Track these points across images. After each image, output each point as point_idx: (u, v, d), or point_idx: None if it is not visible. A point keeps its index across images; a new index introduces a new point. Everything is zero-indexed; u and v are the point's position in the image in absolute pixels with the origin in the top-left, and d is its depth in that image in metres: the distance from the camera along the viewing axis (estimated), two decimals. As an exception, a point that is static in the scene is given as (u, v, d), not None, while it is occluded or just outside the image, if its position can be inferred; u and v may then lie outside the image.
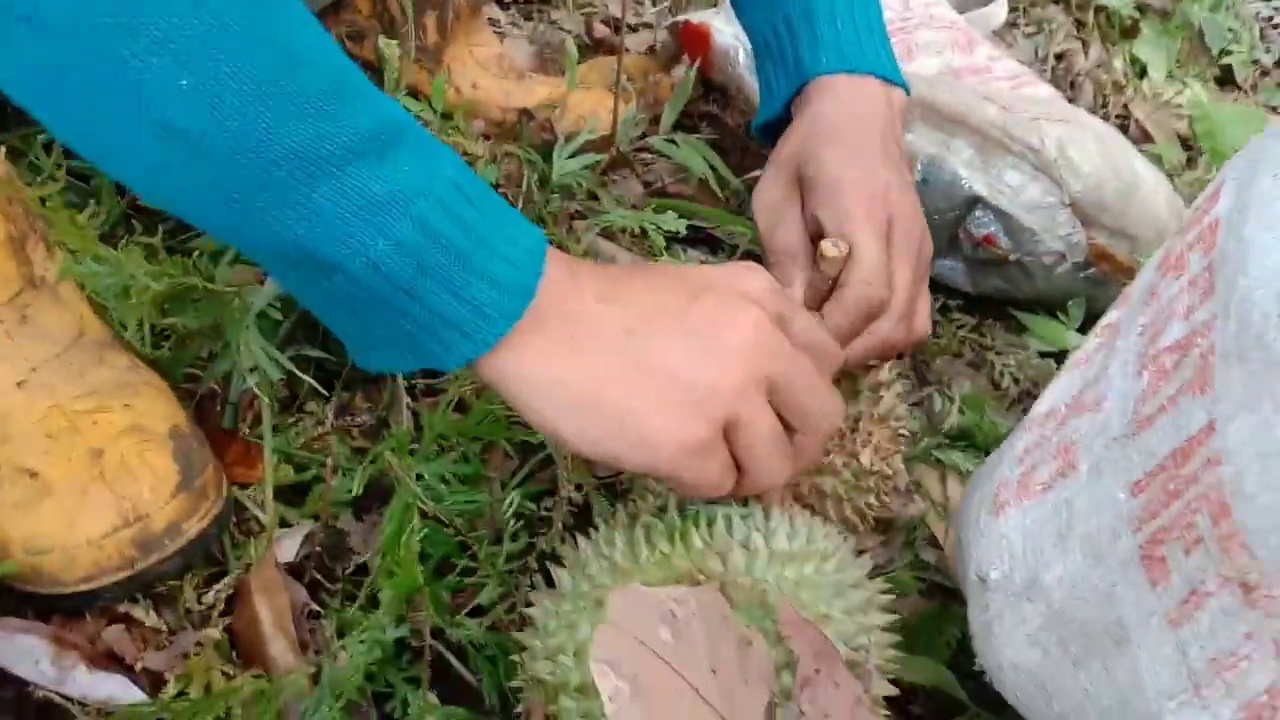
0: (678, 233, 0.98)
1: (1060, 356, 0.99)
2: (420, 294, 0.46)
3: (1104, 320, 0.60)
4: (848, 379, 0.66)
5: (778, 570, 0.52)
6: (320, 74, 0.44)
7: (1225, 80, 1.67)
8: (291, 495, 0.73)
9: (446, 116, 1.06)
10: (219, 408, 0.75)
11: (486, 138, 1.07)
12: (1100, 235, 0.95)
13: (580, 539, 0.58)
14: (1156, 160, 1.39)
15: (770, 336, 0.51)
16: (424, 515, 0.67)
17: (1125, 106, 1.52)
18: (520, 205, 1.00)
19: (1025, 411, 0.98)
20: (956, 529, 0.63)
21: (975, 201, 0.95)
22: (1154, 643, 0.43)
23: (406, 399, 0.72)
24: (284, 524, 0.70)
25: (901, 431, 0.67)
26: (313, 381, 0.72)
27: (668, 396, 0.49)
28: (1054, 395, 0.59)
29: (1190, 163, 1.41)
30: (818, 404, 0.53)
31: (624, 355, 0.49)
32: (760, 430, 0.51)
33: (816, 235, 0.68)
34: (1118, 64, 1.59)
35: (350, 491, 0.70)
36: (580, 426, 0.49)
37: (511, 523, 0.70)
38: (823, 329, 0.57)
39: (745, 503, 0.58)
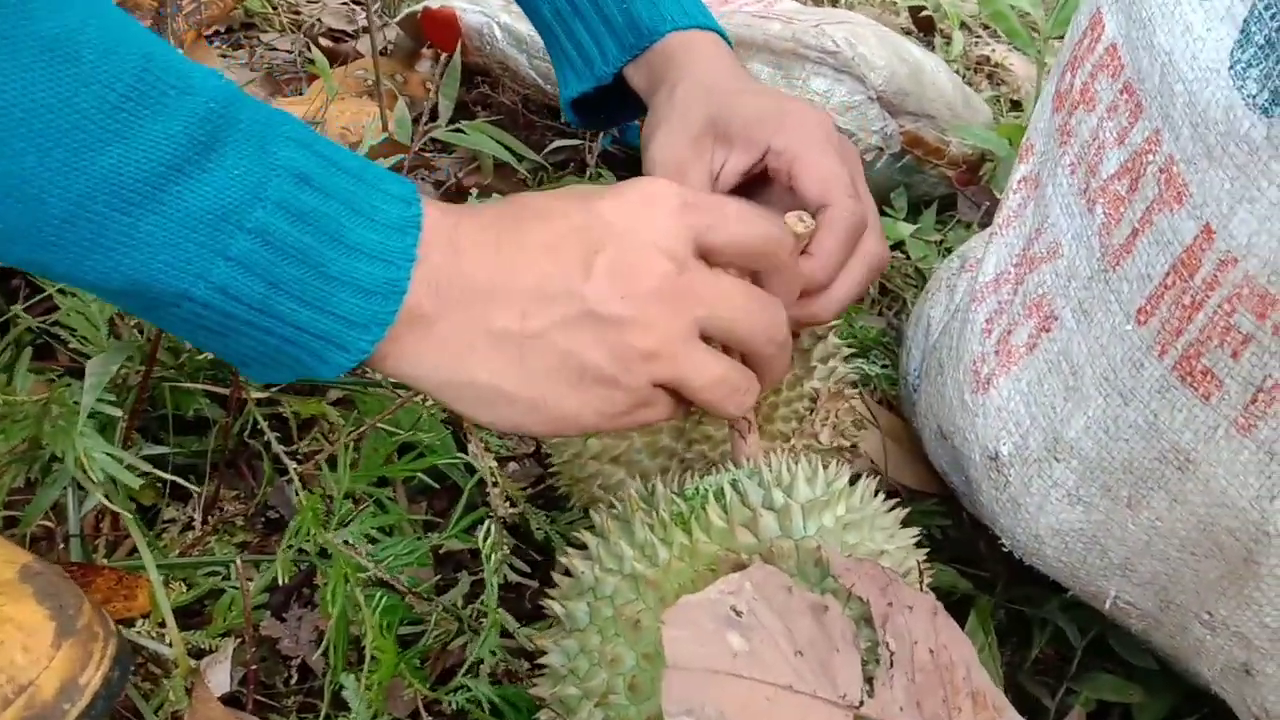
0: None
1: (898, 249, 1.01)
2: (277, 312, 0.41)
3: (1014, 176, 0.59)
4: (799, 353, 0.61)
5: (816, 521, 0.47)
6: (115, 76, 0.38)
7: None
8: (182, 619, 0.61)
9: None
10: (61, 544, 0.61)
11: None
12: (907, 122, 0.97)
13: (574, 558, 0.51)
14: (896, 56, 1.47)
15: (682, 282, 0.46)
16: (380, 582, 0.57)
17: (848, 10, 1.59)
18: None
19: (888, 308, 0.99)
20: (925, 424, 0.62)
21: (788, 117, 0.94)
22: (1227, 455, 0.43)
23: (292, 464, 0.62)
24: (192, 654, 0.58)
25: (854, 401, 0.63)
26: (180, 480, 0.60)
27: (577, 379, 0.45)
28: (994, 260, 0.58)
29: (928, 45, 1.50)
30: (757, 329, 0.49)
31: (523, 346, 0.45)
32: (698, 380, 0.47)
33: (743, 180, 0.62)
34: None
35: (260, 593, 0.59)
36: (491, 418, 0.46)
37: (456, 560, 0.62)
38: (758, 215, 0.52)
39: (735, 466, 0.53)
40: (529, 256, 0.45)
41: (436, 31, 1.19)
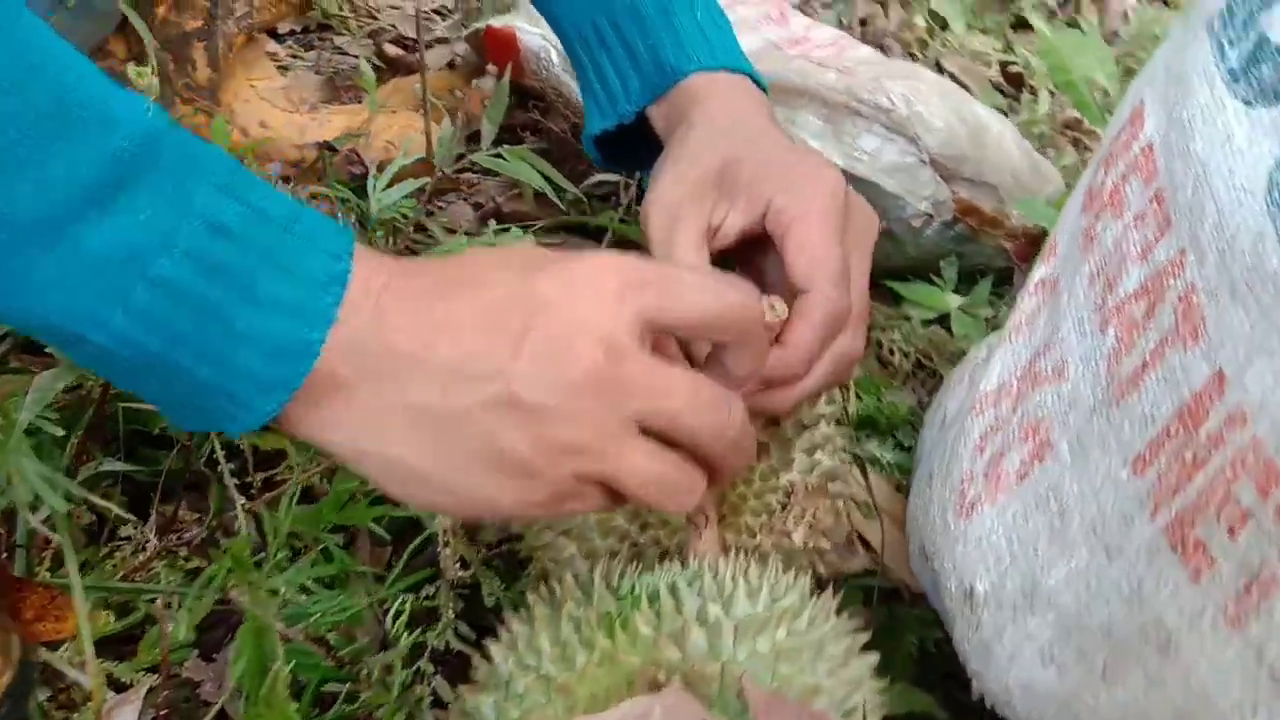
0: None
1: (943, 321, 0.95)
2: (178, 366, 0.39)
3: (1033, 277, 0.54)
4: (777, 437, 0.56)
5: (749, 645, 0.42)
6: (23, 109, 0.36)
7: (1019, 25, 1.71)
8: (120, 646, 0.59)
9: (235, 163, 0.92)
10: (4, 553, 0.59)
11: (286, 180, 0.94)
12: (962, 189, 0.90)
13: (494, 645, 0.47)
14: (979, 110, 1.39)
15: (617, 373, 0.41)
16: (286, 639, 0.54)
17: (937, 63, 1.52)
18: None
19: (923, 384, 0.93)
20: (912, 536, 0.56)
21: (834, 173, 0.89)
22: (1211, 647, 0.37)
23: (240, 499, 0.59)
24: (114, 686, 0.56)
25: (840, 498, 0.57)
26: (115, 508, 0.58)
27: (496, 465, 0.42)
28: (999, 369, 0.52)
29: (1012, 108, 1.42)
30: (704, 426, 0.44)
31: (439, 425, 0.41)
32: (631, 480, 0.43)
33: (743, 241, 0.57)
34: (919, 21, 1.60)
35: (185, 631, 0.57)
36: (405, 494, 0.44)
37: (394, 622, 0.58)
38: (722, 283, 0.46)
39: (683, 563, 0.49)
40: (457, 328, 0.42)
41: (497, 50, 1.17)
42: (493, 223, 0.98)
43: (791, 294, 0.53)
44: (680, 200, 0.57)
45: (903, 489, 0.81)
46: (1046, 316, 0.50)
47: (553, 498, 0.43)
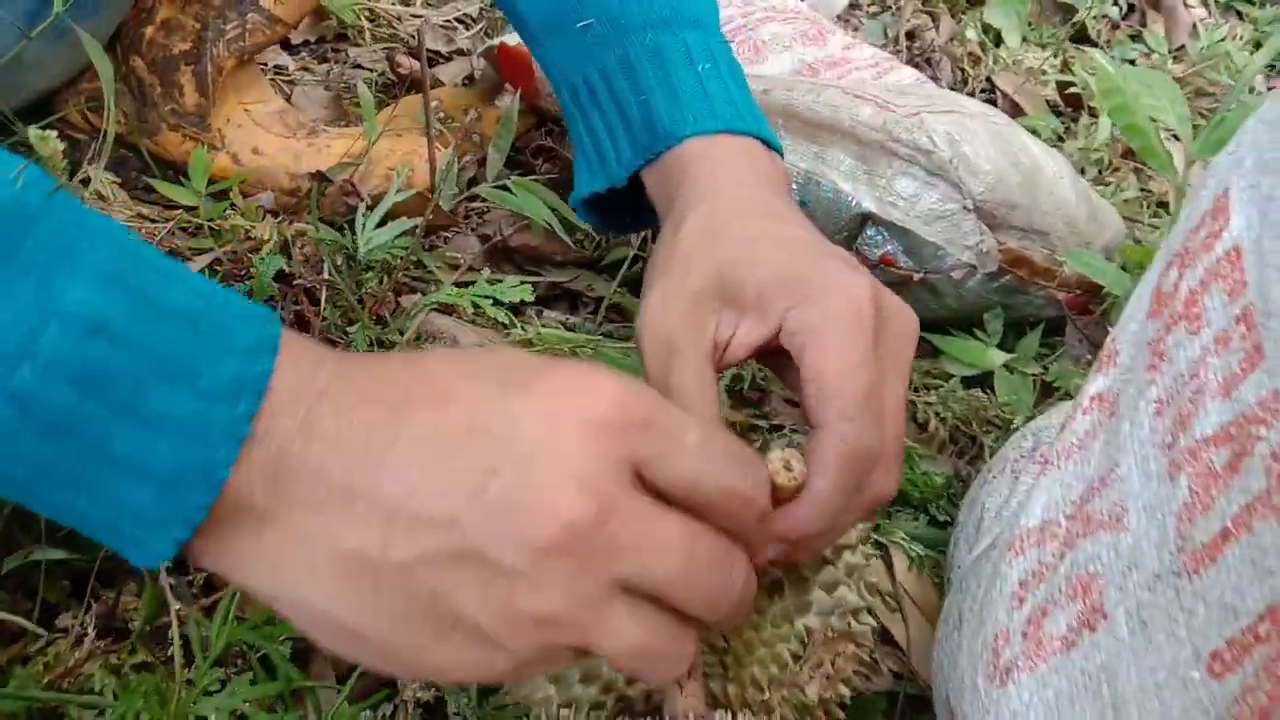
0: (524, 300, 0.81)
1: (985, 380, 0.86)
2: (50, 500, 0.33)
3: (1088, 389, 0.45)
4: (795, 580, 0.48)
5: None
6: None
7: (1079, 38, 1.61)
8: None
9: (220, 196, 0.86)
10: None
11: (275, 214, 0.88)
12: (1010, 238, 0.82)
13: None
14: (1032, 133, 1.30)
15: (603, 533, 0.34)
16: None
17: (989, 80, 1.42)
18: (324, 297, 0.81)
19: (959, 454, 0.85)
20: (936, 682, 0.48)
21: (864, 219, 0.81)
22: None
23: (175, 604, 0.53)
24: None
25: (865, 643, 0.48)
26: (17, 618, 0.52)
27: (448, 630, 0.35)
28: (1044, 501, 0.44)
29: (1068, 130, 1.32)
30: (698, 594, 0.36)
31: (377, 578, 0.34)
32: (610, 649, 0.35)
33: (758, 353, 0.48)
34: (971, 34, 1.50)
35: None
36: (335, 649, 0.37)
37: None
38: (728, 453, 0.38)
39: None
40: (406, 458, 0.34)
41: (512, 69, 1.10)
42: (485, 271, 0.90)
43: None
44: (675, 322, 0.47)
45: (937, 572, 0.72)
46: (1103, 444, 0.42)
47: (515, 669, 0.35)
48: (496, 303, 0.78)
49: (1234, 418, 0.35)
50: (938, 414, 0.81)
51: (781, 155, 0.56)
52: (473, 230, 1.05)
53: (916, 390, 0.84)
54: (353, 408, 0.35)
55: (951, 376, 0.85)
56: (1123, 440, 0.41)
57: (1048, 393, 0.86)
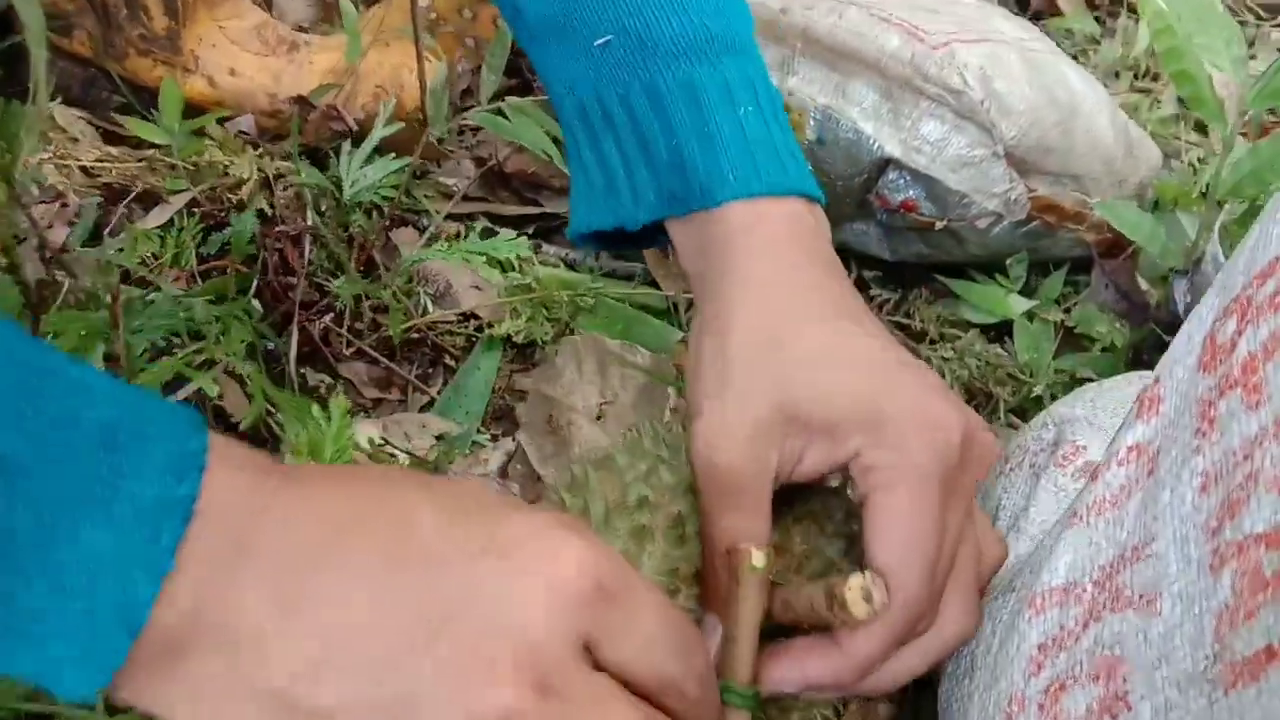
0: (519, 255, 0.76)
1: (1005, 328, 0.82)
2: None
3: (1125, 437, 0.42)
4: None
5: None
6: None
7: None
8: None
9: (194, 113, 0.80)
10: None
11: (255, 145, 0.83)
12: (1042, 184, 0.76)
13: None
14: (1067, 36, 1.21)
15: (545, 710, 0.31)
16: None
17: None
18: (310, 247, 0.77)
19: (977, 410, 0.82)
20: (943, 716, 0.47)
21: (886, 163, 0.75)
22: None
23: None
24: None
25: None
26: None
27: None
28: (1069, 558, 0.41)
29: (1108, 31, 1.23)
30: None
31: None
32: None
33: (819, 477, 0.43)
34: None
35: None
36: None
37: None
38: (682, 641, 0.35)
39: None
40: (349, 588, 0.31)
41: (508, -32, 1.02)
42: (481, 221, 0.85)
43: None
44: (735, 457, 0.41)
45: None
46: (1139, 507, 0.39)
47: None
48: (488, 261, 0.73)
49: (1291, 520, 0.32)
50: (953, 370, 0.78)
51: (824, 204, 0.49)
52: (467, 151, 0.99)
53: (933, 342, 0.81)
54: (293, 529, 0.31)
55: (971, 326, 0.82)
56: (1161, 510, 0.37)
57: (1070, 340, 0.82)
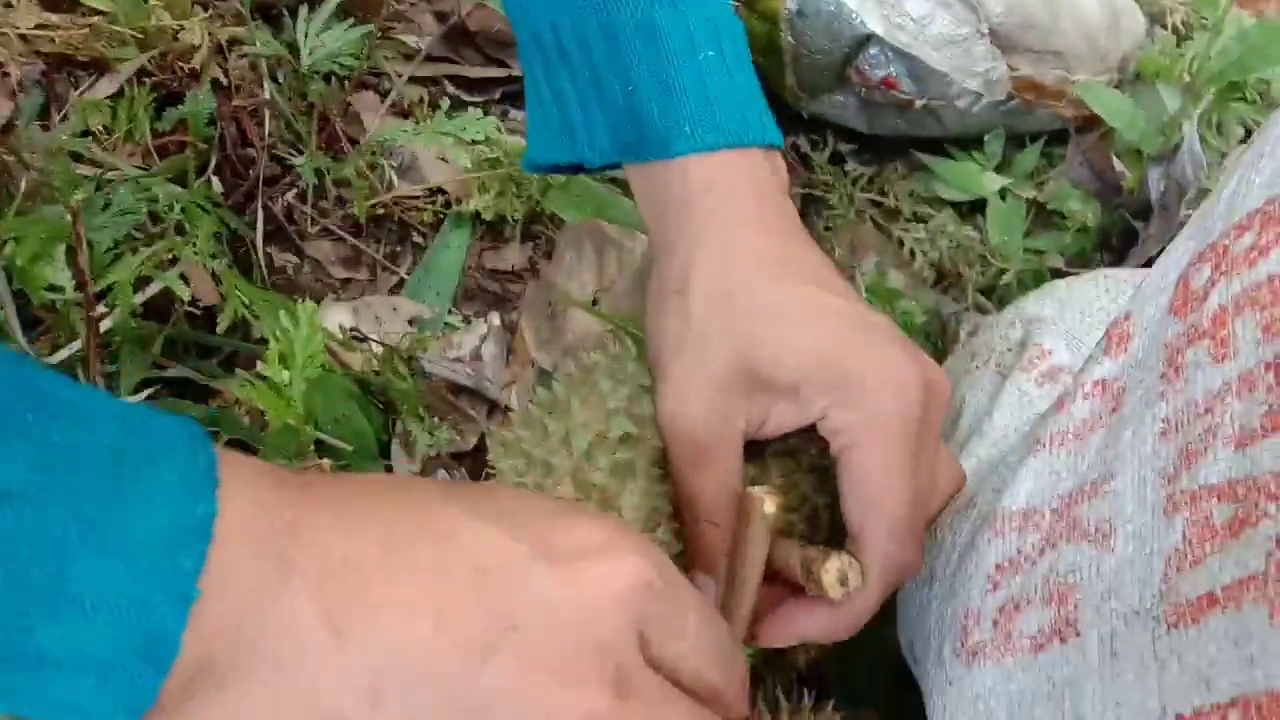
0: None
1: (979, 205, 0.82)
2: None
3: (1091, 371, 0.43)
4: None
5: None
6: None
7: None
8: None
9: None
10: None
11: (204, 7, 0.78)
12: (1024, 62, 0.75)
13: None
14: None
15: (619, 710, 0.31)
16: None
17: None
18: (269, 120, 0.74)
19: (945, 291, 0.83)
20: (901, 622, 0.50)
21: (867, 39, 0.73)
22: None
23: None
24: None
25: None
26: None
27: None
28: (1030, 485, 0.43)
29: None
30: None
31: None
32: None
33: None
34: None
35: None
36: None
37: None
38: (724, 643, 0.36)
39: None
40: (407, 600, 0.30)
41: None
42: (446, 87, 0.82)
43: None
44: (700, 420, 0.42)
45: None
46: (1102, 443, 0.40)
47: None
48: (458, 141, 0.71)
49: (1244, 477, 0.34)
50: (924, 252, 0.78)
51: (781, 147, 0.47)
52: (428, 4, 0.94)
53: (906, 221, 0.81)
54: (333, 542, 0.30)
55: (945, 204, 0.81)
56: (1122, 450, 0.39)
57: (1042, 219, 0.83)
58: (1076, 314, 0.58)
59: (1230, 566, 0.33)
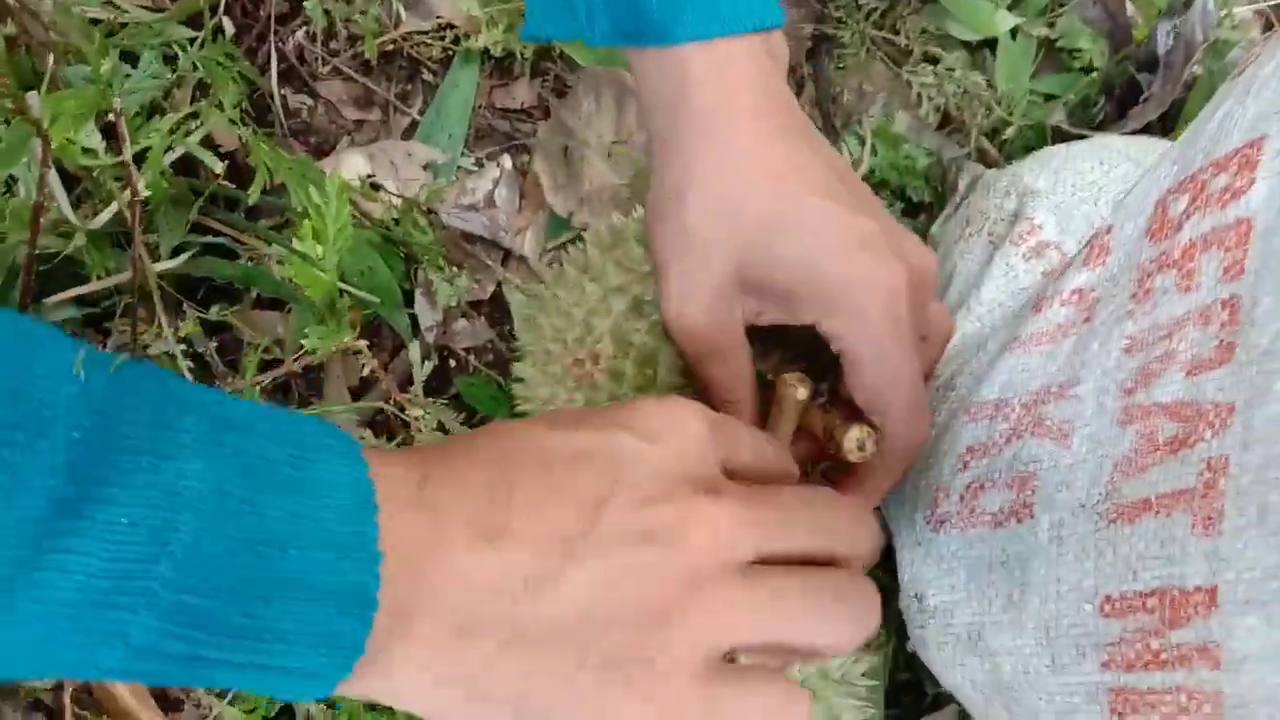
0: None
1: (990, 44, 0.82)
2: (208, 679, 0.31)
3: (1071, 278, 0.46)
4: None
5: None
6: None
7: None
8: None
9: None
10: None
11: None
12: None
13: None
14: None
15: (720, 591, 0.36)
16: None
17: None
18: None
19: (950, 136, 0.83)
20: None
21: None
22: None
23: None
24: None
25: None
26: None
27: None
28: (1004, 379, 0.47)
29: None
30: (838, 528, 0.40)
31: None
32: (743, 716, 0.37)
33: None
34: None
35: None
36: None
37: None
38: (763, 440, 0.43)
39: None
40: (531, 496, 0.36)
41: None
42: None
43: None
44: (702, 317, 0.46)
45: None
46: (1072, 350, 0.44)
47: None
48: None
49: (1190, 401, 0.38)
50: (930, 97, 0.79)
51: (783, 26, 0.47)
52: None
53: (915, 63, 0.80)
54: (461, 480, 0.35)
55: (956, 46, 0.81)
56: (1089, 359, 0.43)
57: (1050, 61, 0.82)
58: (1069, 188, 0.61)
59: (1167, 479, 0.38)
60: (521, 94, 0.80)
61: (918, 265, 0.46)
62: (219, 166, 0.58)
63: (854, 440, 0.45)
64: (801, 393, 0.46)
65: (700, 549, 0.36)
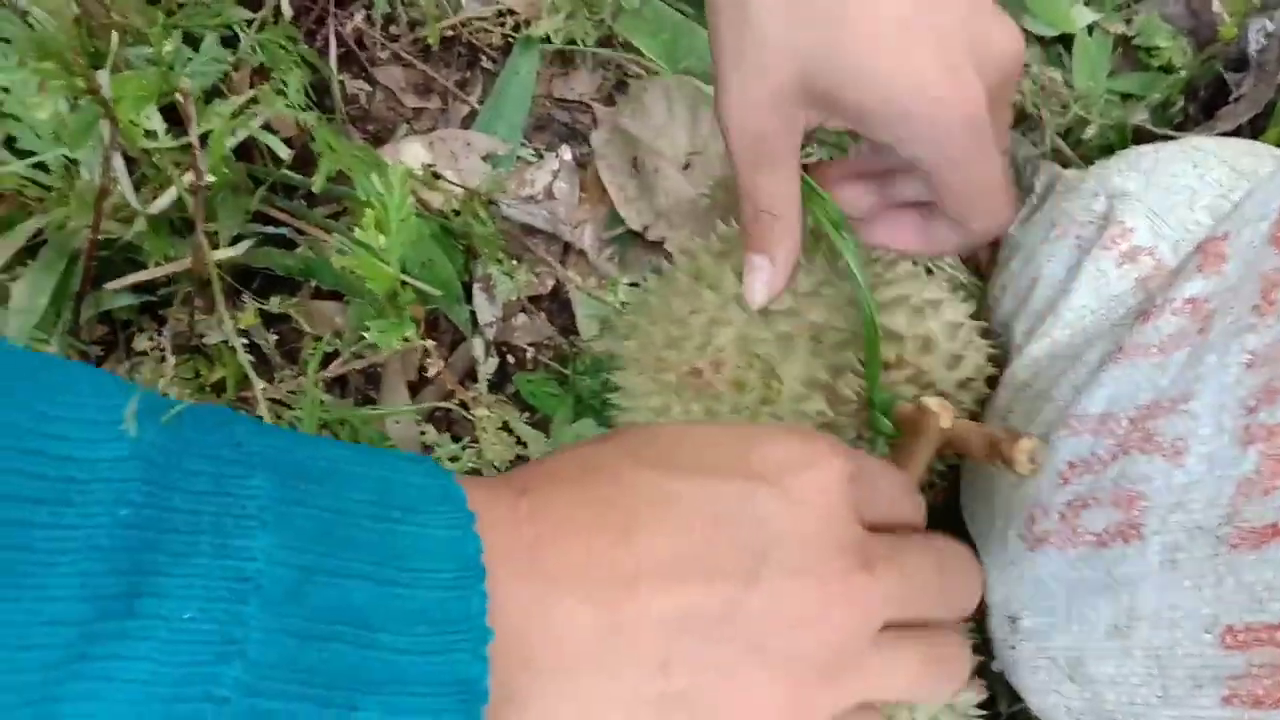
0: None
1: (1063, 41, 0.79)
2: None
3: (1183, 288, 0.44)
4: None
5: None
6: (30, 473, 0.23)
7: None
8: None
9: None
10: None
11: None
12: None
13: None
14: None
15: (871, 577, 0.35)
16: None
17: None
18: None
19: (1025, 134, 0.81)
20: (966, 501, 0.53)
21: None
22: None
23: (260, 384, 0.55)
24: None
25: None
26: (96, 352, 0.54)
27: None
28: (1109, 390, 0.45)
29: None
30: (958, 593, 0.42)
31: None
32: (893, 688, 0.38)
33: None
34: None
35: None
36: None
37: None
38: (899, 478, 0.42)
39: None
40: (657, 565, 0.32)
41: None
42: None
43: None
44: (764, 119, 0.43)
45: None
46: (1185, 362, 0.42)
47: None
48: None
49: (1325, 421, 0.36)
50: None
51: None
52: None
53: (987, 59, 0.78)
54: (573, 544, 0.32)
55: (1032, 42, 0.78)
56: (1205, 373, 0.41)
57: (1128, 59, 0.80)
58: (1161, 190, 0.58)
59: (1301, 503, 0.36)
60: (582, 85, 0.78)
61: (1001, 64, 0.44)
62: (285, 153, 0.56)
63: (1025, 452, 0.42)
64: (946, 420, 0.44)
65: (843, 628, 0.34)
